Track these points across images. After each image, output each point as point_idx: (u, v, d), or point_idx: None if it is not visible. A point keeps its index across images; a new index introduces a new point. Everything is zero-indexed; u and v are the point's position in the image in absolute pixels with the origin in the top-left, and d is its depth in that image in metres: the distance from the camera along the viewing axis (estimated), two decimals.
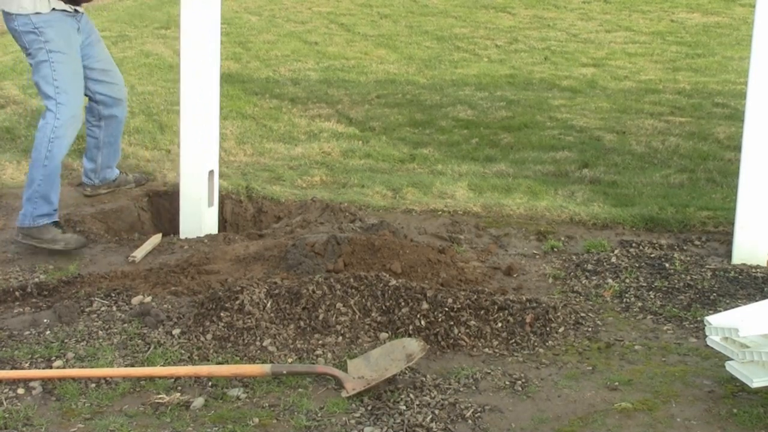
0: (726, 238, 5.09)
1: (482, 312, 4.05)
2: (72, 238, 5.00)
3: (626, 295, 4.48)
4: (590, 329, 4.14)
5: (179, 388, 3.64)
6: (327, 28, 11.75)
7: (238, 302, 4.03)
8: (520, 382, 3.67)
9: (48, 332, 4.06)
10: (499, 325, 4.02)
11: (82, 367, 3.77)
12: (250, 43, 10.82)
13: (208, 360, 3.81)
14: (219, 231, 5.40)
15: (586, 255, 4.95)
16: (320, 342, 3.93)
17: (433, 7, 13.08)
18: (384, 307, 4.05)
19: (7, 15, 4.97)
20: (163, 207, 5.72)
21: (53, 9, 4.94)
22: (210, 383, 3.66)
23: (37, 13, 4.90)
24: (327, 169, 6.37)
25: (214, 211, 5.33)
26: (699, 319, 4.18)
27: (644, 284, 4.58)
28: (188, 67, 5.10)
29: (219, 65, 5.21)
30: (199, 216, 5.26)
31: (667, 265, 4.78)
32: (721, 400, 3.53)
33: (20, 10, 4.90)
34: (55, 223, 5.05)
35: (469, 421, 3.40)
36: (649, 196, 5.78)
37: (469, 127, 7.45)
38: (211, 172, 5.26)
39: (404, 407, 3.48)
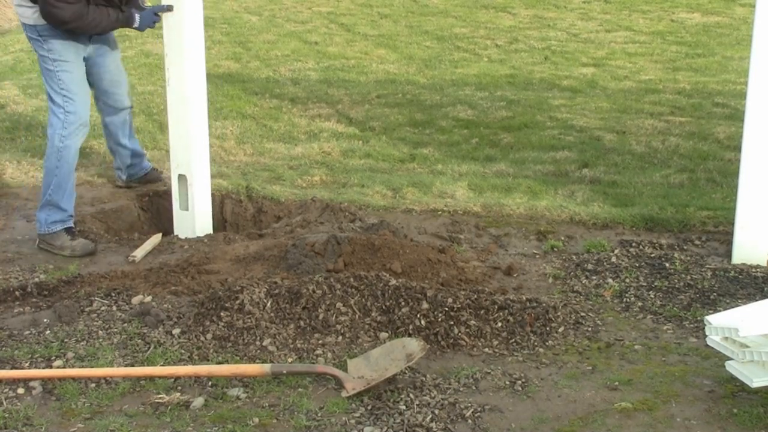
0: (726, 237, 5.09)
1: (482, 312, 4.05)
2: (78, 245, 5.03)
3: (626, 295, 4.48)
4: (590, 329, 4.14)
5: (179, 388, 3.64)
6: (327, 28, 11.75)
7: (238, 302, 4.03)
8: (520, 382, 3.67)
9: (48, 332, 4.06)
10: (499, 324, 4.03)
11: (82, 366, 3.77)
12: (250, 43, 10.82)
13: (208, 360, 3.81)
14: (218, 231, 5.40)
15: (586, 255, 4.95)
16: (320, 342, 3.93)
17: (433, 7, 13.08)
18: (384, 307, 4.05)
19: (21, 23, 5.06)
20: (163, 207, 5.72)
21: None
22: (210, 383, 3.66)
23: (43, 24, 4.93)
24: (327, 169, 6.37)
25: (191, 215, 5.27)
26: (699, 318, 4.18)
27: (644, 284, 4.58)
28: (173, 70, 5.14)
29: (203, 72, 5.19)
30: (175, 217, 5.32)
31: (667, 264, 4.78)
32: (721, 400, 3.53)
33: (27, 20, 4.97)
34: (68, 229, 5.08)
35: (469, 421, 3.40)
36: (649, 196, 5.78)
37: (469, 127, 7.45)
38: (182, 177, 5.23)
39: (404, 407, 3.48)
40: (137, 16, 5.14)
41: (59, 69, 4.98)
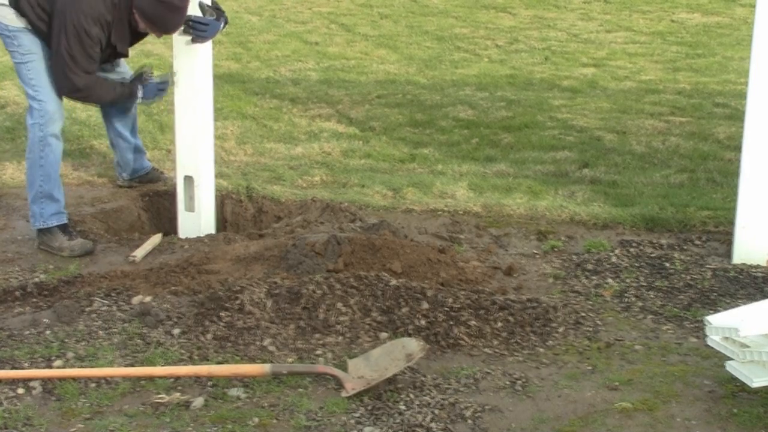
0: (726, 237, 5.09)
1: (482, 312, 4.05)
2: (77, 245, 5.03)
3: (626, 295, 4.48)
4: (590, 329, 4.13)
5: (179, 388, 3.64)
6: (327, 28, 11.75)
7: (238, 302, 4.03)
8: (520, 382, 3.67)
9: (48, 332, 4.06)
10: (499, 324, 4.02)
11: (82, 367, 3.77)
12: (250, 43, 10.82)
13: (208, 360, 3.81)
14: (218, 231, 5.40)
15: (586, 255, 4.95)
16: (320, 342, 3.93)
17: (434, 7, 13.08)
18: (384, 307, 4.05)
19: None
20: (163, 207, 5.72)
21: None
22: (210, 383, 3.66)
23: (15, 25, 4.94)
24: (327, 169, 6.37)
25: (197, 216, 5.27)
26: (699, 318, 4.18)
27: (644, 284, 4.58)
28: (181, 72, 5.15)
29: (210, 74, 5.21)
30: (180, 218, 5.32)
31: (667, 264, 4.78)
32: (721, 400, 3.53)
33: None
34: (64, 227, 5.08)
35: (469, 421, 3.40)
36: (650, 196, 5.78)
37: (470, 127, 7.45)
38: (189, 178, 5.24)
39: (404, 407, 3.48)
40: (140, 91, 5.21)
41: (27, 60, 4.99)
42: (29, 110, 5.05)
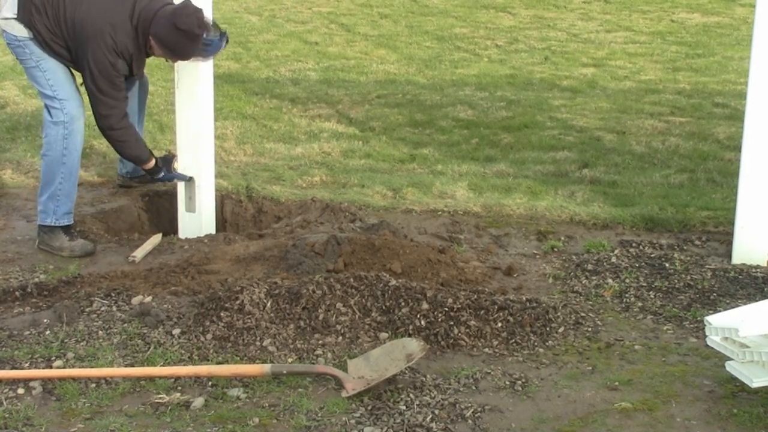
0: (726, 238, 5.09)
1: (482, 312, 4.05)
2: (77, 246, 5.03)
3: (626, 295, 4.48)
4: (590, 329, 4.14)
5: (179, 388, 3.64)
6: (327, 28, 11.76)
7: (238, 302, 4.03)
8: (520, 382, 3.67)
9: (48, 332, 4.06)
10: (499, 325, 4.02)
11: (82, 367, 3.77)
12: (250, 43, 10.82)
13: (208, 360, 3.81)
14: (218, 231, 5.40)
15: (586, 255, 4.95)
16: (320, 342, 3.93)
17: (434, 7, 13.08)
18: (384, 307, 4.05)
19: (2, 30, 5.07)
20: (163, 207, 5.72)
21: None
22: (210, 383, 3.66)
23: (24, 36, 4.98)
24: (327, 169, 6.37)
25: (197, 217, 5.28)
26: (699, 319, 4.18)
27: (644, 284, 4.58)
28: (183, 72, 5.17)
29: (211, 74, 5.23)
30: (180, 218, 5.34)
31: (667, 265, 4.78)
32: (721, 400, 3.53)
33: (7, 28, 5.00)
34: (67, 228, 5.09)
35: (469, 421, 3.40)
36: (649, 196, 5.78)
37: (469, 127, 7.46)
38: (190, 179, 5.25)
39: (404, 407, 3.48)
40: (162, 173, 5.27)
41: (42, 63, 5.00)
42: (48, 111, 5.04)
